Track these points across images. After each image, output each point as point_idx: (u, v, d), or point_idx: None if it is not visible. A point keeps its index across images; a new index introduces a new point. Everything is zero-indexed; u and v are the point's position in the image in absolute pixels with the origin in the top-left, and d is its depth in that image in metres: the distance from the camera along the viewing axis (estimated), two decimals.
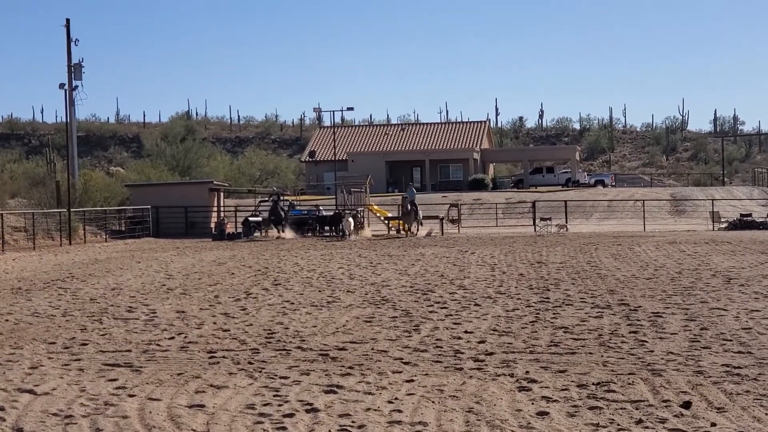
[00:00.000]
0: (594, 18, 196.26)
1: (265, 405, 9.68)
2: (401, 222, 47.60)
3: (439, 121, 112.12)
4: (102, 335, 14.73)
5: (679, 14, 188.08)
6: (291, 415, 9.21)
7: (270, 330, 14.91)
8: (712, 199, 59.69)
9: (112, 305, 18.56)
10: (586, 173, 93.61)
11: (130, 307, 18.24)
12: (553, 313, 16.24)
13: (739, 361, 11.55)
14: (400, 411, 9.32)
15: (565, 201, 56.18)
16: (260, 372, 11.45)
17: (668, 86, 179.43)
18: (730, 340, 13.14)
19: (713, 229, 49.19)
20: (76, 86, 59.59)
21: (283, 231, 45.37)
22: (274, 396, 10.08)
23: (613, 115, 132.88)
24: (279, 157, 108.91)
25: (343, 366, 11.74)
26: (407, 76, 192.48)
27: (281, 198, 49.12)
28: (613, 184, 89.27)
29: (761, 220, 51.23)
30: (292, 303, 18.46)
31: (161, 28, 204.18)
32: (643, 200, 58.35)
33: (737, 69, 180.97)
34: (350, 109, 73.11)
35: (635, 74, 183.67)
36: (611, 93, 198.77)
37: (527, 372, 11.14)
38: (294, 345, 13.44)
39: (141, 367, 11.99)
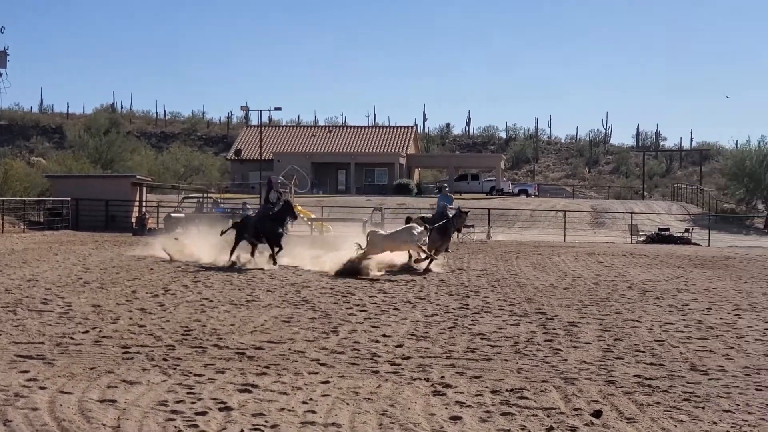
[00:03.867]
0: (522, 28, 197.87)
1: (178, 402, 9.60)
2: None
3: (366, 125, 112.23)
4: (15, 326, 14.50)
5: (605, 30, 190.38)
6: (204, 413, 9.16)
7: (187, 327, 14.80)
8: (632, 213, 60.47)
9: (27, 297, 18.27)
10: (510, 182, 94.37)
11: (45, 299, 17.97)
12: (472, 320, 16.35)
13: (650, 373, 11.74)
14: (314, 412, 9.31)
15: (489, 209, 56.55)
16: (175, 369, 11.36)
17: (593, 100, 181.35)
18: (643, 352, 13.34)
19: (631, 242, 49.92)
20: (0, 74, 58.57)
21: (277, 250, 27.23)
22: (188, 393, 10.01)
23: (538, 125, 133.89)
24: (204, 155, 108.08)
25: (259, 365, 11.70)
26: (336, 79, 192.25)
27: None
28: (537, 194, 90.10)
29: (678, 234, 52.11)
30: (211, 300, 18.34)
31: (89, 18, 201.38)
32: (565, 211, 58.93)
33: (661, 86, 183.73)
34: (278, 109, 72.70)
35: (561, 86, 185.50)
36: (537, 104, 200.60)
37: (443, 377, 11.20)
38: (210, 343, 13.36)
39: (53, 360, 11.82)
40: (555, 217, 62.26)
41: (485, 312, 17.48)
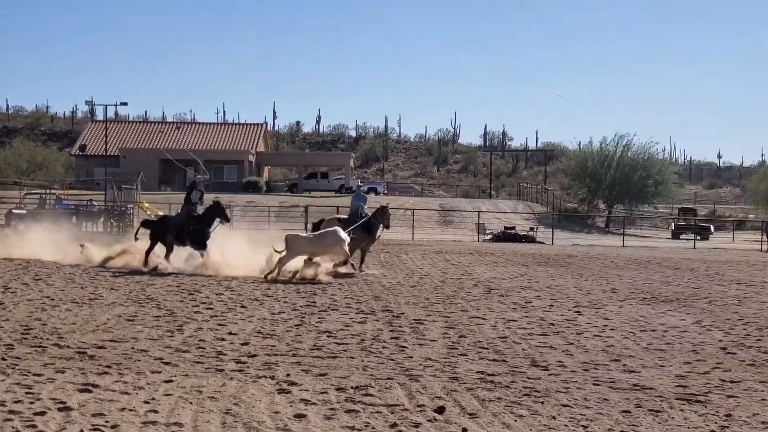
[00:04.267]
0: (372, 26, 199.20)
1: (16, 402, 9.33)
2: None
3: (215, 122, 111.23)
4: None
5: (451, 29, 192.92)
6: (42, 413, 8.92)
7: (27, 326, 14.39)
8: (479, 211, 61.47)
9: None
10: (359, 180, 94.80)
11: None
12: (318, 318, 16.35)
13: (493, 369, 11.94)
14: (156, 411, 9.16)
15: (338, 207, 56.68)
16: (13, 369, 11.03)
17: (442, 99, 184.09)
18: (487, 348, 13.56)
19: (478, 241, 50.74)
20: None
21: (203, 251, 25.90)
22: (26, 393, 9.73)
23: (388, 124, 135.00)
24: (48, 150, 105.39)
25: (100, 365, 11.46)
26: (185, 75, 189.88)
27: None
28: (386, 192, 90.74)
29: (524, 233, 53.22)
30: (52, 299, 17.88)
31: None
32: (413, 209, 59.52)
33: (508, 87, 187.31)
34: (124, 104, 72.02)
35: (411, 85, 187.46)
36: (387, 103, 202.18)
37: (288, 375, 11.16)
38: (51, 342, 13.02)
39: None
40: (404, 215, 62.77)
41: (332, 309, 17.51)
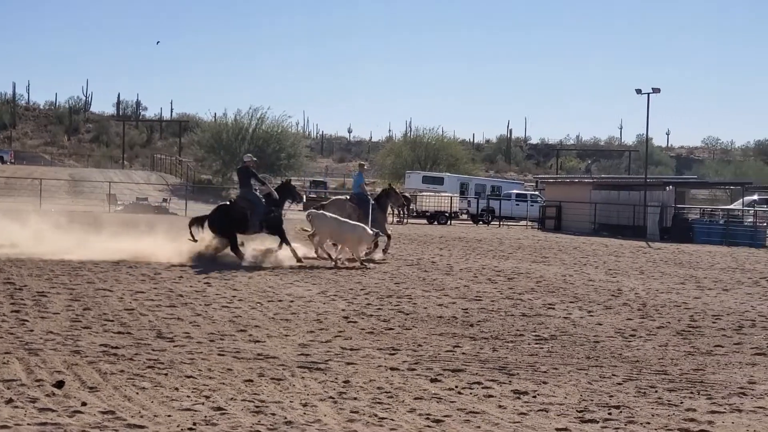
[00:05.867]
0: None
1: None
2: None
3: None
4: None
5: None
6: None
7: None
8: (110, 182, 60.23)
9: None
10: None
11: None
12: None
13: (118, 341, 11.74)
14: None
15: None
16: None
17: (73, 66, 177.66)
18: (112, 321, 13.32)
19: (110, 211, 49.75)
20: None
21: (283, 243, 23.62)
22: None
23: (16, 90, 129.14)
24: None
25: None
26: None
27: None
28: (13, 161, 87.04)
29: (156, 204, 52.80)
30: None
31: None
32: (41, 179, 57.44)
33: (142, 55, 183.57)
34: None
35: (40, 51, 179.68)
36: (14, 68, 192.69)
37: None
38: None
39: None
40: (31, 184, 60.43)
41: None
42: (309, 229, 23.57)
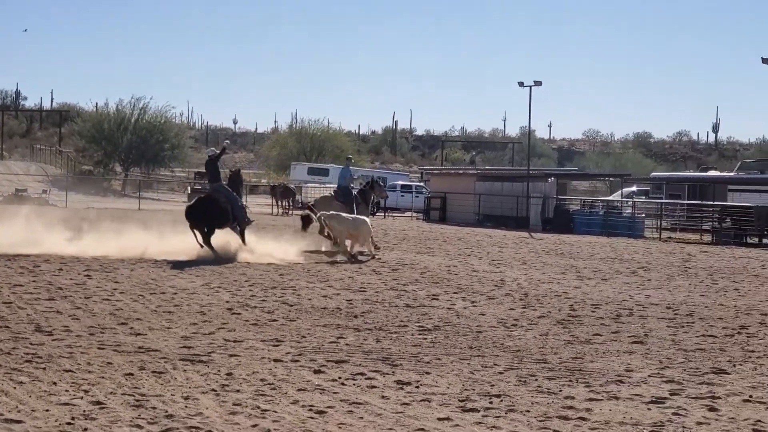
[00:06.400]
0: None
1: None
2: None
3: None
4: None
5: None
6: None
7: None
8: None
9: None
10: None
11: None
12: None
13: None
14: None
15: None
16: None
17: None
18: None
19: None
20: None
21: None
22: None
23: None
24: None
25: None
26: None
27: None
28: None
29: (36, 195, 51.73)
30: None
31: None
32: None
33: (21, 44, 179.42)
34: None
35: None
36: None
37: None
38: None
39: None
40: None
41: None
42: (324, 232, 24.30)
